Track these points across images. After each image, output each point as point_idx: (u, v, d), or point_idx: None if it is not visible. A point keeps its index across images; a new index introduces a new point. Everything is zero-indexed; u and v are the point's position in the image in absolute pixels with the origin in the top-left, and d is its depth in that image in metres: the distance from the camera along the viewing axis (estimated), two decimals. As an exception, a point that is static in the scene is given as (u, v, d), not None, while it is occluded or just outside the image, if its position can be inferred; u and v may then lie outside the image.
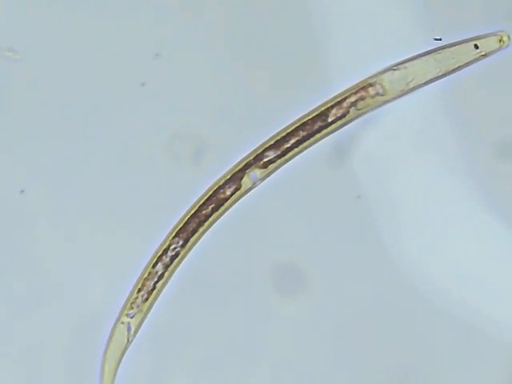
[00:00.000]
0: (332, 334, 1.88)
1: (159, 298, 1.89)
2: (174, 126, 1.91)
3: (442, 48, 1.86)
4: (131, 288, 1.89)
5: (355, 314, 1.88)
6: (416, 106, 1.87)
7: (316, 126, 1.87)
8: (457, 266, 1.87)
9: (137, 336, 1.88)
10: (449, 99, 1.88)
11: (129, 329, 1.88)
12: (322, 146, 1.88)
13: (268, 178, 1.88)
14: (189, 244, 1.89)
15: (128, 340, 1.88)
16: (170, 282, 1.89)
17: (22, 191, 1.91)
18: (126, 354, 1.88)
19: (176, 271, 1.89)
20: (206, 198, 1.88)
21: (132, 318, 1.88)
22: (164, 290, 1.89)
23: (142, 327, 1.89)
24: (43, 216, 1.91)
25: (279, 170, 1.88)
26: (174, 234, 1.88)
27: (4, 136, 1.91)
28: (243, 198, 1.89)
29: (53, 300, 1.90)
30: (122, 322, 1.88)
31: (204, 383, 1.90)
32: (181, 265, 1.89)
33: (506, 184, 1.88)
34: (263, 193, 1.89)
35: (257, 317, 1.89)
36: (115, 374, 1.88)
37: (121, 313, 1.88)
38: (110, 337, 1.88)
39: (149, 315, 1.89)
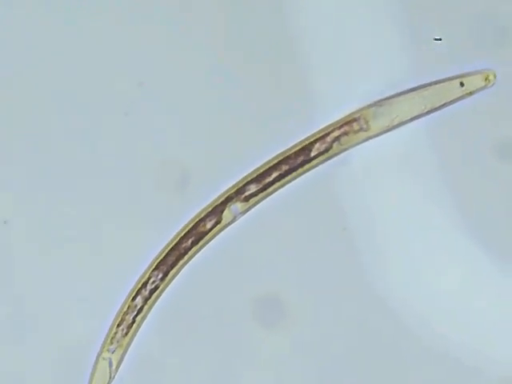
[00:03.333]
0: (313, 366, 1.87)
1: (139, 332, 1.87)
2: (157, 157, 1.89)
3: (428, 85, 1.85)
4: (111, 322, 1.87)
5: (337, 345, 1.86)
6: (400, 141, 1.86)
7: (299, 161, 1.85)
8: (441, 298, 1.86)
9: (119, 371, 1.87)
10: (433, 136, 1.86)
11: (110, 364, 1.86)
12: (306, 179, 1.86)
13: (249, 212, 1.86)
14: (168, 277, 1.86)
15: (110, 376, 1.86)
16: (149, 315, 1.87)
17: (5, 222, 1.90)
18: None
19: (155, 305, 1.87)
20: (186, 230, 1.86)
21: (113, 353, 1.86)
22: (144, 323, 1.87)
23: (124, 362, 1.87)
24: (25, 248, 1.89)
25: (261, 204, 1.87)
26: (153, 267, 1.86)
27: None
28: (224, 231, 1.87)
29: (33, 335, 1.89)
30: (104, 358, 1.86)
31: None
32: (160, 298, 1.87)
33: (488, 213, 1.87)
34: (244, 226, 1.87)
35: (237, 348, 1.88)
36: None
37: (102, 348, 1.86)
38: (93, 373, 1.86)
39: (129, 349, 1.87)
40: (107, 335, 1.86)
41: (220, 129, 1.88)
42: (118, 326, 1.86)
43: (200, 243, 1.86)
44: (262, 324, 1.87)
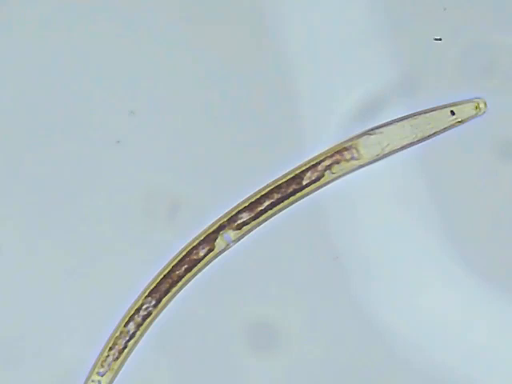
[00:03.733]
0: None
1: (130, 357, 1.89)
2: (149, 185, 1.90)
3: (419, 113, 1.85)
4: (102, 346, 1.88)
5: (329, 371, 1.88)
6: (391, 169, 1.87)
7: (290, 189, 1.86)
8: (434, 324, 1.87)
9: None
10: (424, 164, 1.87)
11: (100, 388, 1.88)
12: (297, 208, 1.88)
13: (242, 240, 1.88)
14: (161, 304, 1.88)
15: (100, 399, 1.88)
16: (141, 341, 1.89)
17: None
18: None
19: (148, 331, 1.88)
20: (179, 258, 1.88)
21: (102, 376, 1.87)
22: (135, 348, 1.89)
23: (113, 386, 1.89)
24: (17, 274, 1.91)
25: (253, 232, 1.88)
26: (146, 294, 1.88)
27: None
28: (216, 259, 1.88)
29: (25, 357, 1.90)
30: (93, 381, 1.87)
31: None
32: (153, 324, 1.88)
33: (479, 238, 1.88)
34: (237, 254, 1.88)
35: (229, 374, 1.89)
36: None
37: (91, 371, 1.88)
38: (81, 396, 1.88)
39: (119, 374, 1.89)
40: (98, 358, 1.88)
41: (212, 157, 1.89)
42: (110, 349, 1.87)
43: (193, 270, 1.88)
44: (254, 349, 1.89)
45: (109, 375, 1.87)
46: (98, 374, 1.87)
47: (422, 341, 1.87)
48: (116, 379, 1.89)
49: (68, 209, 1.91)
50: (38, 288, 1.91)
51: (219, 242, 1.87)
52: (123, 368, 1.89)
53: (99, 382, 1.87)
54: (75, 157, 1.91)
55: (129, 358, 1.88)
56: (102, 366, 1.87)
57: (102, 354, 1.88)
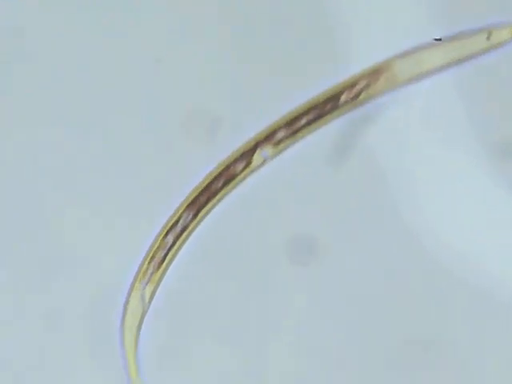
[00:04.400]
0: (346, 302, 1.92)
1: (170, 269, 1.93)
2: (188, 103, 1.94)
3: (455, 37, 1.88)
4: (143, 258, 1.93)
5: (369, 283, 1.91)
6: (426, 91, 1.90)
7: (328, 107, 1.90)
8: (473, 232, 1.90)
9: (152, 305, 1.92)
10: (459, 87, 1.90)
11: (143, 298, 1.93)
12: (334, 125, 1.91)
13: (278, 157, 1.92)
14: (198, 217, 1.93)
15: (144, 309, 1.93)
16: (179, 253, 1.93)
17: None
18: (143, 323, 1.92)
19: (186, 243, 1.93)
20: (217, 172, 1.92)
21: (145, 287, 1.92)
22: (174, 261, 1.93)
23: (156, 297, 1.93)
24: (59, 186, 1.96)
25: (290, 149, 1.92)
26: (184, 207, 1.93)
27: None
28: (253, 174, 1.92)
29: (67, 271, 1.95)
30: (136, 292, 1.93)
31: (218, 349, 1.94)
32: (190, 237, 1.93)
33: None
34: (273, 170, 1.92)
35: (267, 285, 1.93)
36: (137, 343, 1.92)
37: (134, 283, 1.93)
38: (126, 307, 1.92)
39: (161, 285, 1.93)
40: (139, 270, 1.93)
41: (251, 75, 1.93)
42: (150, 262, 1.93)
43: (230, 185, 1.93)
44: (292, 262, 1.93)
45: (151, 286, 1.92)
46: (140, 285, 1.92)
47: (468, 252, 1.89)
48: (158, 290, 1.93)
49: (109, 123, 1.95)
50: (78, 203, 1.95)
51: (256, 158, 1.92)
52: (164, 280, 1.93)
53: (143, 293, 1.93)
54: (115, 75, 1.95)
55: (168, 270, 1.93)
56: (144, 277, 1.92)
57: (142, 266, 1.93)
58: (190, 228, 1.93)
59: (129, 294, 1.92)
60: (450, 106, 1.91)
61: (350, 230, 1.92)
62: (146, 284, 1.92)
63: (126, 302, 1.92)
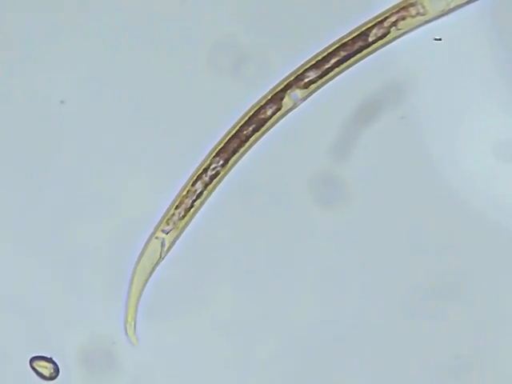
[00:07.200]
0: (373, 244, 1.90)
1: (196, 217, 1.91)
2: (217, 41, 1.91)
3: (484, -31, 1.87)
4: (169, 204, 1.91)
5: (397, 224, 1.90)
6: (457, 25, 1.88)
7: (356, 46, 1.88)
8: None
9: (170, 253, 1.91)
10: (489, 19, 1.88)
11: (163, 245, 1.91)
12: (363, 65, 1.89)
13: (309, 98, 1.90)
14: (229, 164, 1.90)
15: (160, 256, 1.91)
16: (208, 201, 1.91)
17: (62, 102, 1.93)
18: (156, 269, 1.91)
19: (215, 191, 1.91)
20: (246, 118, 1.90)
21: (167, 234, 1.90)
22: (201, 208, 1.91)
23: (176, 245, 1.91)
24: (86, 126, 1.93)
25: (320, 90, 1.90)
26: (214, 154, 1.90)
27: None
28: (284, 118, 1.90)
29: (92, 209, 1.93)
30: (157, 237, 1.90)
31: (241, 296, 1.93)
32: (220, 185, 1.91)
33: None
34: (304, 113, 1.90)
35: (296, 228, 1.91)
36: (143, 287, 1.90)
37: (156, 228, 1.91)
38: (143, 250, 1.90)
39: (184, 233, 1.91)
40: (163, 216, 1.90)
41: (278, 17, 1.90)
42: (176, 208, 1.90)
43: (261, 130, 1.90)
44: (321, 204, 1.91)
45: (173, 233, 1.90)
46: (162, 231, 1.90)
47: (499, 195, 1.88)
48: (180, 238, 1.91)
49: (133, 66, 1.92)
50: (107, 139, 1.93)
51: (286, 101, 1.89)
52: (188, 227, 1.91)
53: (163, 239, 1.90)
54: (140, 12, 1.92)
55: (195, 218, 1.91)
56: (168, 224, 1.90)
57: (167, 211, 1.90)
58: (219, 175, 1.90)
59: (150, 238, 1.90)
60: (480, 40, 1.88)
61: (379, 171, 1.90)
62: (169, 230, 1.90)
63: (145, 246, 1.90)
